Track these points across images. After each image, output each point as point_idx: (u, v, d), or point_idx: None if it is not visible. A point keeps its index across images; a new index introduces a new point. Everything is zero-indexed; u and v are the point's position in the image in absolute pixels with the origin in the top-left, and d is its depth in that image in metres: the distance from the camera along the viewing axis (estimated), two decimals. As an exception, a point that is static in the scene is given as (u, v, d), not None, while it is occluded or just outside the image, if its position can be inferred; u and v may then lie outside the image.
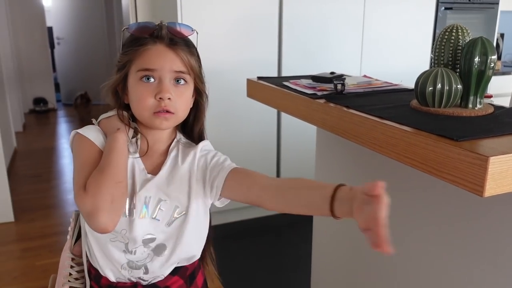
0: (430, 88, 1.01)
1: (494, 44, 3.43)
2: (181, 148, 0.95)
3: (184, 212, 0.91)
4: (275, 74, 2.79)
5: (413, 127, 0.89)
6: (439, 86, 0.99)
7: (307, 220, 2.02)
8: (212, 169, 0.90)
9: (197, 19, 2.53)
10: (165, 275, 0.93)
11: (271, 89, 1.43)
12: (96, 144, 0.88)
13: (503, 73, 3.44)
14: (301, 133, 2.77)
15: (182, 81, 0.87)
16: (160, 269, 0.92)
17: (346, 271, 1.58)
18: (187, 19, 2.48)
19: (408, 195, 1.23)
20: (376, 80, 1.45)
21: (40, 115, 6.22)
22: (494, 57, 1.00)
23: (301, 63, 2.79)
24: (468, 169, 0.74)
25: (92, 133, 0.89)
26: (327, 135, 1.58)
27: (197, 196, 0.91)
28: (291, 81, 1.45)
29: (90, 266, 0.95)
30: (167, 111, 0.86)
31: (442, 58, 1.08)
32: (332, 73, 1.43)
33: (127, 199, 0.87)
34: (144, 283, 0.92)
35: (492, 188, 0.73)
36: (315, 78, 1.41)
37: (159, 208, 0.89)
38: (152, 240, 0.89)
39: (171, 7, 2.56)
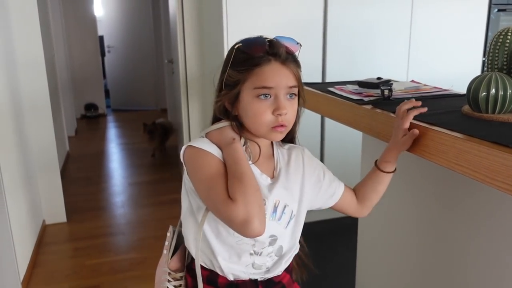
0: (484, 94, 0.97)
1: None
2: (285, 151, 1.02)
3: (295, 215, 0.99)
4: (319, 80, 2.78)
5: (464, 134, 0.86)
6: (493, 91, 0.96)
7: (349, 227, 1.98)
8: (329, 184, 1.05)
9: (242, 26, 2.56)
10: (282, 271, 0.99)
11: (316, 95, 1.43)
12: (217, 157, 0.90)
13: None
14: (345, 139, 2.74)
15: (293, 95, 0.92)
16: (279, 267, 0.98)
17: (391, 280, 1.54)
18: (233, 26, 2.52)
19: (458, 202, 1.19)
20: (425, 85, 1.42)
21: (91, 120, 6.49)
22: (554, 60, 0.95)
23: (346, 68, 2.77)
24: (526, 178, 0.71)
25: (208, 146, 0.91)
26: (373, 141, 1.55)
27: (306, 201, 1.00)
28: (336, 86, 1.44)
29: (202, 267, 0.96)
30: (282, 125, 0.90)
31: (496, 62, 1.04)
32: (378, 78, 1.41)
33: None
34: (261, 279, 0.97)
35: (551, 198, 0.69)
36: (361, 84, 1.40)
37: (284, 213, 0.96)
38: (275, 240, 0.95)
39: (217, 15, 2.62)
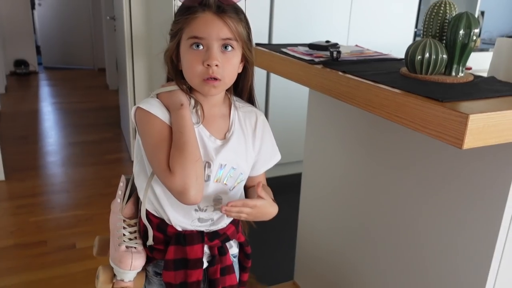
0: (419, 57, 1.12)
1: (475, 21, 3.57)
2: (241, 114, 1.04)
3: (243, 178, 1.04)
4: (266, 42, 2.86)
5: (403, 90, 1.01)
6: (427, 55, 1.10)
7: (293, 186, 2.13)
8: (262, 156, 1.07)
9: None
10: (226, 224, 1.06)
11: (270, 54, 1.52)
12: (164, 121, 0.92)
13: (481, 50, 3.59)
14: (289, 100, 2.88)
15: (229, 48, 0.92)
16: (223, 221, 1.05)
17: (330, 232, 1.72)
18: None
19: (393, 151, 1.36)
20: (368, 50, 1.56)
21: (21, 78, 6.13)
22: (477, 30, 1.11)
23: (291, 32, 2.87)
24: (451, 125, 0.86)
25: (156, 109, 0.93)
26: (318, 98, 1.69)
27: (252, 163, 1.06)
28: (289, 48, 1.55)
29: (152, 216, 1.02)
30: (215, 78, 0.91)
31: (430, 30, 1.19)
32: (327, 41, 1.52)
33: (206, 166, 0.95)
34: (207, 231, 1.03)
35: (470, 141, 0.85)
36: (312, 46, 1.51)
37: (229, 175, 1.00)
38: (220, 201, 1.00)
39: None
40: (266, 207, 0.98)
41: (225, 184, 1.01)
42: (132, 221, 1.06)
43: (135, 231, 1.05)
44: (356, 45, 1.65)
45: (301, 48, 1.51)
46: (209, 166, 0.97)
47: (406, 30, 3.28)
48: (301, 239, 1.95)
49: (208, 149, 0.97)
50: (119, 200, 1.08)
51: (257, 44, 1.67)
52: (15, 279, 2.02)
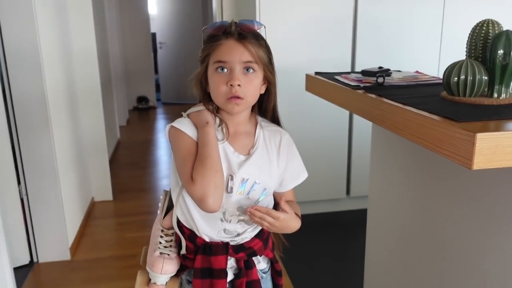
0: (455, 79, 1.08)
1: None
2: (266, 132, 1.11)
3: (268, 193, 1.11)
4: (348, 70, 2.88)
5: (425, 111, 0.98)
6: (462, 76, 1.06)
7: (361, 220, 2.09)
8: (289, 174, 1.13)
9: (275, 21, 2.72)
10: (251, 237, 1.13)
11: (323, 82, 1.57)
12: (191, 137, 1.03)
13: None
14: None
15: (251, 70, 1.02)
16: (249, 234, 1.12)
17: (398, 269, 1.66)
18: (265, 22, 2.68)
19: (460, 185, 1.29)
20: (425, 75, 1.52)
21: (142, 112, 6.91)
22: (520, 49, 1.04)
23: (375, 60, 2.84)
24: (461, 144, 0.83)
25: (186, 127, 1.04)
26: (382, 132, 1.67)
27: (278, 180, 1.13)
28: (342, 75, 1.58)
29: (185, 228, 1.11)
30: (238, 97, 1.01)
31: (473, 51, 1.14)
32: (380, 67, 1.53)
33: (228, 179, 1.05)
34: (233, 243, 1.11)
35: (481, 162, 0.80)
36: (364, 72, 1.52)
37: (253, 189, 1.07)
38: (244, 213, 1.08)
39: (251, 11, 2.79)
40: (289, 221, 1.04)
41: (248, 197, 1.07)
42: (170, 231, 1.17)
43: (171, 240, 1.16)
44: (417, 71, 1.62)
45: (353, 75, 1.54)
46: (232, 179, 1.05)
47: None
48: (368, 273, 1.89)
49: (231, 163, 1.06)
50: (159, 212, 1.20)
51: (316, 73, 1.73)
52: (107, 286, 2.28)
